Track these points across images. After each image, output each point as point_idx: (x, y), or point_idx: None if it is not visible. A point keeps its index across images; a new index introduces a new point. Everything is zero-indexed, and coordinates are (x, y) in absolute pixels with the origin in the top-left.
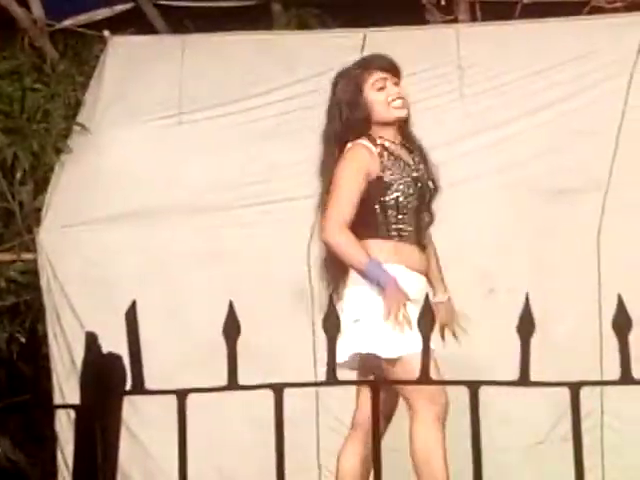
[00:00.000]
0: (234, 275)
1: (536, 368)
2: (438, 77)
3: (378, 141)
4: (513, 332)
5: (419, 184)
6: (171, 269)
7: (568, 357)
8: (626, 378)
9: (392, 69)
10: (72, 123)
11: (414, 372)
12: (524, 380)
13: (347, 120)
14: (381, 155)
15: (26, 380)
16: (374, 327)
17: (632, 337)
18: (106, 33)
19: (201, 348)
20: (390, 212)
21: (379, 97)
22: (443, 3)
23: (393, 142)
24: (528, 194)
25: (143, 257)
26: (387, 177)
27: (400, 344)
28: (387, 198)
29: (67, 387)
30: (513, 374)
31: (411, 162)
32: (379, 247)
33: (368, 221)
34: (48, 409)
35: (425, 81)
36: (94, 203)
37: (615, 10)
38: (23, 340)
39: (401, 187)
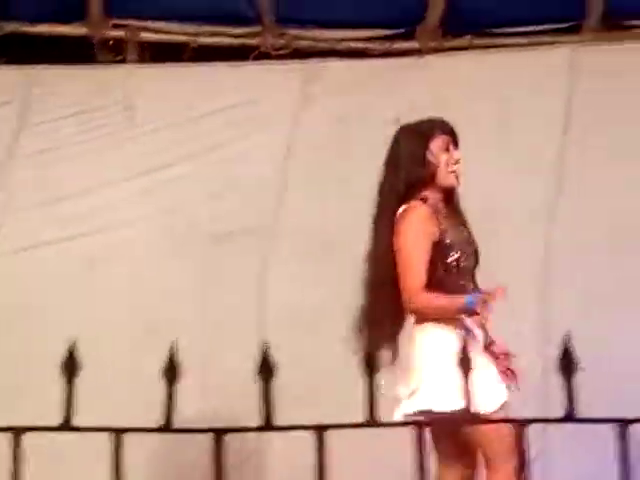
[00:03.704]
0: None
1: None
2: (104, 117)
3: (430, 202)
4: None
5: (472, 244)
6: None
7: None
8: None
9: (453, 134)
10: None
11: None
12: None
13: (408, 176)
14: (437, 217)
15: None
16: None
17: None
18: None
19: None
20: (453, 273)
21: (443, 158)
22: (111, 43)
23: (441, 205)
24: (196, 238)
25: None
26: (447, 239)
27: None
28: (449, 260)
29: None
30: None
31: (459, 224)
32: None
33: (434, 283)
34: None
35: (92, 121)
36: None
37: (280, 57)
38: None
39: (460, 249)
